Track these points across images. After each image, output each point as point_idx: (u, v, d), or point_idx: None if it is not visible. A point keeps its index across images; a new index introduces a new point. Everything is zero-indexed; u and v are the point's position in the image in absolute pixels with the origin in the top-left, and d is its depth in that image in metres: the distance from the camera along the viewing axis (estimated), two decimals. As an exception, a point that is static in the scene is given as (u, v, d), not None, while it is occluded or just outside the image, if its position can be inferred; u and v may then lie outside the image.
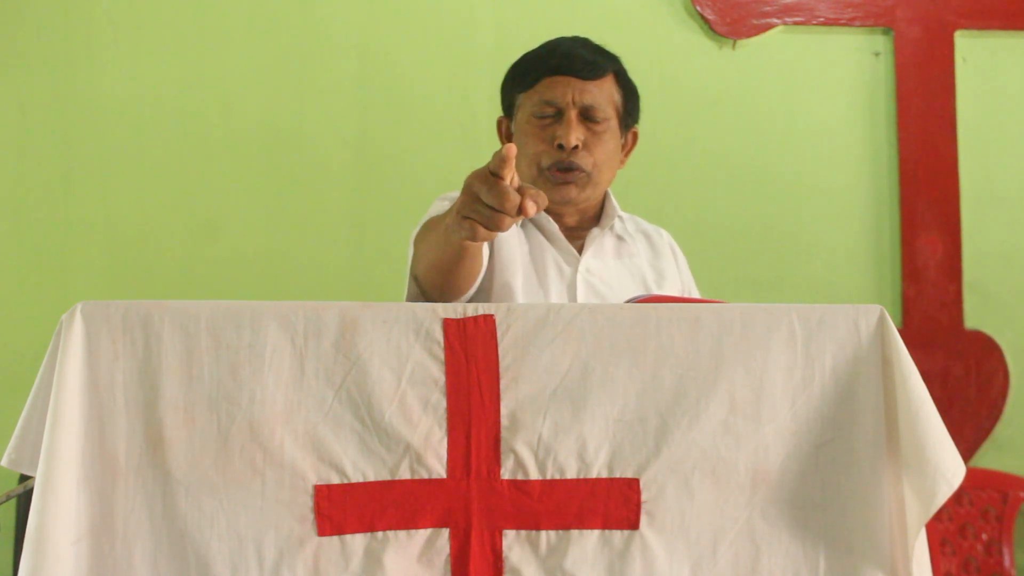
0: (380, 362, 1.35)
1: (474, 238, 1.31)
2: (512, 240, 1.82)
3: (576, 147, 1.79)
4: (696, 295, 1.97)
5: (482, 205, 1.26)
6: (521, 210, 1.24)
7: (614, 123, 1.84)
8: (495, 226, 1.27)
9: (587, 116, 1.81)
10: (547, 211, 1.86)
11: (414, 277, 1.68)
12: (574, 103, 1.80)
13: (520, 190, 1.24)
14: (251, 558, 1.31)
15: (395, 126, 3.22)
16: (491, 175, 1.24)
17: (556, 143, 1.79)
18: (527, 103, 1.84)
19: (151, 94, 3.17)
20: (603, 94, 1.82)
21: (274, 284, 3.13)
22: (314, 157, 3.20)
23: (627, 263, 1.89)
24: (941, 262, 3.28)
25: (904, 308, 3.27)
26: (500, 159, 1.23)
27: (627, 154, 1.93)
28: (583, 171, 1.81)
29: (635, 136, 1.93)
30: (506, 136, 1.91)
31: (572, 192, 1.82)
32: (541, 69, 1.83)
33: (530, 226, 1.87)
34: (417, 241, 1.68)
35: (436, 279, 1.59)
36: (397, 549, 1.33)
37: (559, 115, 1.81)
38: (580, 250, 1.87)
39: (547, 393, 1.36)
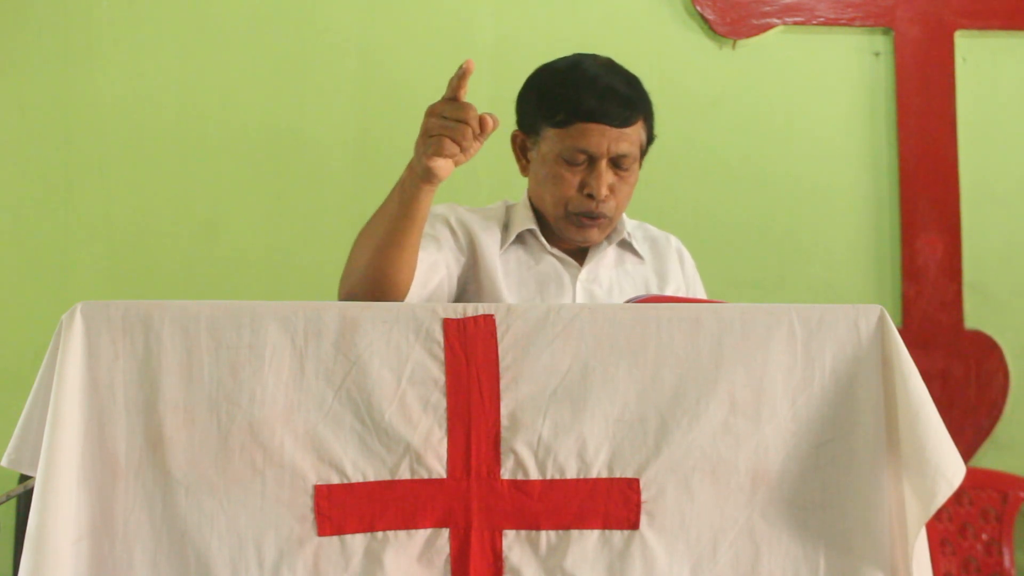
0: (380, 362, 1.35)
1: (440, 153, 1.45)
2: (494, 253, 1.81)
3: (605, 196, 1.79)
4: (702, 297, 1.96)
5: (446, 119, 1.44)
6: (481, 124, 1.45)
7: (638, 163, 1.84)
8: (460, 136, 1.44)
9: (616, 164, 1.79)
10: (548, 238, 1.86)
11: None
12: (608, 151, 1.77)
13: None
14: (251, 558, 1.31)
15: (395, 126, 3.20)
16: (450, 98, 1.45)
17: (587, 192, 1.78)
18: (556, 142, 1.79)
19: (151, 94, 3.17)
20: (633, 141, 1.80)
21: (274, 284, 3.13)
22: (314, 157, 3.20)
23: (629, 271, 1.89)
24: (941, 262, 3.28)
25: (904, 308, 3.26)
26: (458, 77, 1.45)
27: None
28: (607, 216, 1.81)
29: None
30: (521, 151, 1.88)
31: (594, 235, 1.83)
32: (575, 111, 1.77)
33: (529, 239, 1.86)
34: (349, 258, 1.66)
35: (373, 271, 1.57)
36: (397, 549, 1.33)
37: (591, 161, 1.78)
38: (582, 262, 1.87)
39: (547, 393, 1.36)
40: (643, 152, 1.85)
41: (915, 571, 1.34)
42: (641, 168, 1.91)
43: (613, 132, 1.77)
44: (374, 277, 1.58)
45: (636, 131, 1.80)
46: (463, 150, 1.46)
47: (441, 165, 1.47)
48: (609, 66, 1.84)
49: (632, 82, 1.84)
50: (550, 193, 1.81)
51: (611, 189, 1.79)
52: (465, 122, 1.44)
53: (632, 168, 1.81)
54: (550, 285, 1.83)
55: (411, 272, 1.61)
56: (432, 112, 1.47)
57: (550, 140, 1.80)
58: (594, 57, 1.85)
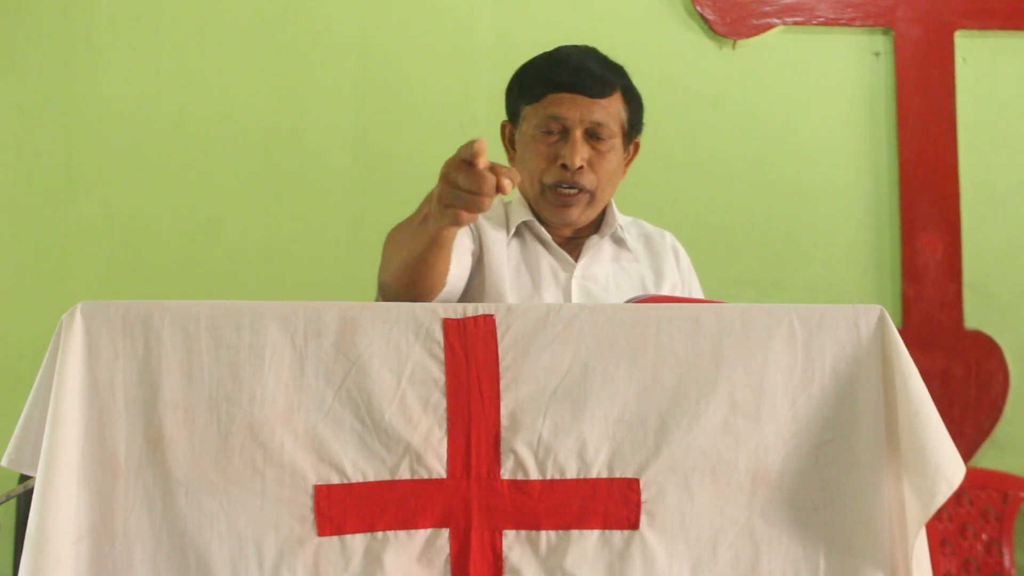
0: (380, 362, 1.35)
1: (458, 223, 1.38)
2: (501, 247, 1.82)
3: (580, 167, 1.78)
4: (698, 294, 1.97)
5: (461, 191, 1.33)
6: (498, 188, 1.33)
7: (618, 140, 1.83)
8: (475, 207, 1.34)
9: (593, 135, 1.79)
10: (543, 224, 1.86)
11: (381, 289, 1.66)
12: (581, 121, 1.77)
13: (493, 169, 1.31)
14: (251, 558, 1.31)
15: (395, 126, 3.22)
16: (465, 162, 1.32)
17: (560, 162, 1.78)
18: (532, 116, 1.81)
19: (151, 94, 3.17)
20: (610, 113, 1.80)
21: (274, 284, 3.13)
22: (314, 157, 3.20)
23: (625, 267, 1.89)
24: (941, 262, 3.28)
25: (904, 308, 3.27)
26: (472, 152, 1.30)
27: (628, 164, 1.92)
28: (586, 191, 1.80)
29: (637, 147, 1.92)
30: (509, 142, 1.90)
31: (574, 214, 1.82)
32: (548, 84, 1.79)
33: (526, 234, 1.86)
34: (385, 247, 1.66)
35: (406, 278, 1.56)
36: (397, 549, 1.33)
37: (565, 133, 1.78)
38: (577, 257, 1.87)
39: (547, 393, 1.36)
40: (625, 132, 1.85)
41: (915, 571, 1.34)
42: (634, 161, 1.92)
43: (586, 101, 1.78)
44: (409, 280, 1.57)
45: (613, 103, 1.81)
46: (481, 212, 1.38)
47: (463, 223, 1.43)
48: (588, 49, 1.86)
49: (609, 63, 1.85)
50: (527, 170, 1.82)
51: (589, 164, 1.79)
52: (481, 194, 1.33)
53: (611, 142, 1.81)
54: (546, 280, 1.83)
55: (445, 276, 1.59)
56: (448, 177, 1.35)
57: (528, 118, 1.82)
58: (575, 45, 1.87)
